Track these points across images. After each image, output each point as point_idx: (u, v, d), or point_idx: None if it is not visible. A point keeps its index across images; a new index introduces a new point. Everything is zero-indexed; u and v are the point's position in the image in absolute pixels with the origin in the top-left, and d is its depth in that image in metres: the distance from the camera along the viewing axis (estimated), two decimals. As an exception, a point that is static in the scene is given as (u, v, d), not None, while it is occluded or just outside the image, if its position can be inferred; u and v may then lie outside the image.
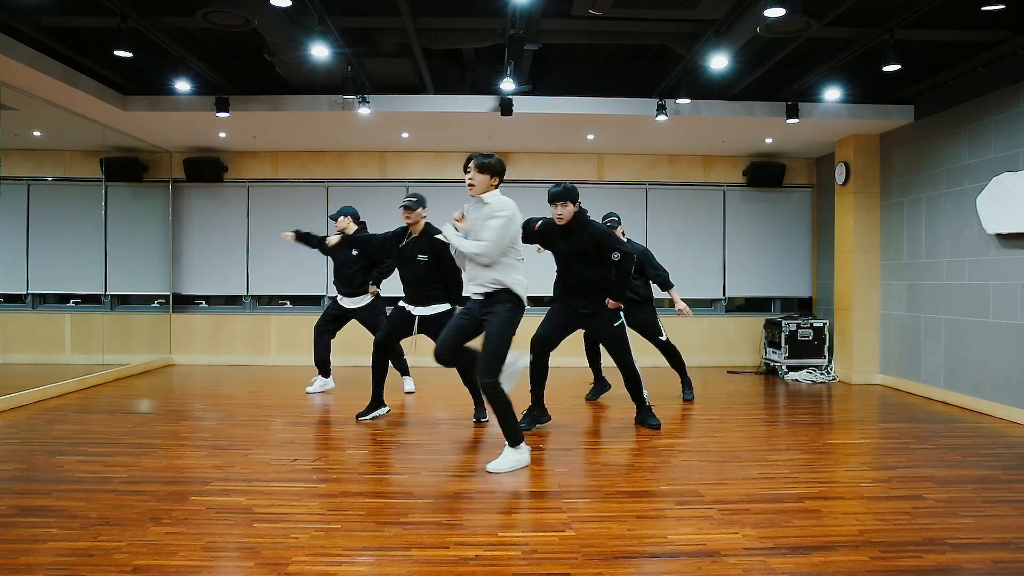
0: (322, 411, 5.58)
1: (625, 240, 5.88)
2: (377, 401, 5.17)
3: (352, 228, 5.85)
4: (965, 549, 2.80)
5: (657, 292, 6.01)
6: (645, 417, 4.96)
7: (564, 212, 4.58)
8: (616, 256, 4.61)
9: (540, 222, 4.77)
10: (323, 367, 6.28)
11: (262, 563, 2.62)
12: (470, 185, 3.89)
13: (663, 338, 5.89)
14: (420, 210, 5.02)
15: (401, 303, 5.07)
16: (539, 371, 4.91)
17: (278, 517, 3.10)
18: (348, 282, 6.05)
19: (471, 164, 3.88)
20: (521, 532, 2.96)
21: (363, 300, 6.07)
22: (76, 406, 5.70)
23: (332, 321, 6.20)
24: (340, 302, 6.13)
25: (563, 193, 4.56)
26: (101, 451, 4.21)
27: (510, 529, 3.01)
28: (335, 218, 5.89)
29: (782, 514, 3.19)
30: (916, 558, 2.71)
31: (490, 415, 5.17)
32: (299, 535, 2.89)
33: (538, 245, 4.93)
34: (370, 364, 5.09)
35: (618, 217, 5.84)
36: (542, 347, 4.89)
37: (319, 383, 6.33)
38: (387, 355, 5.19)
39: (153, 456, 4.12)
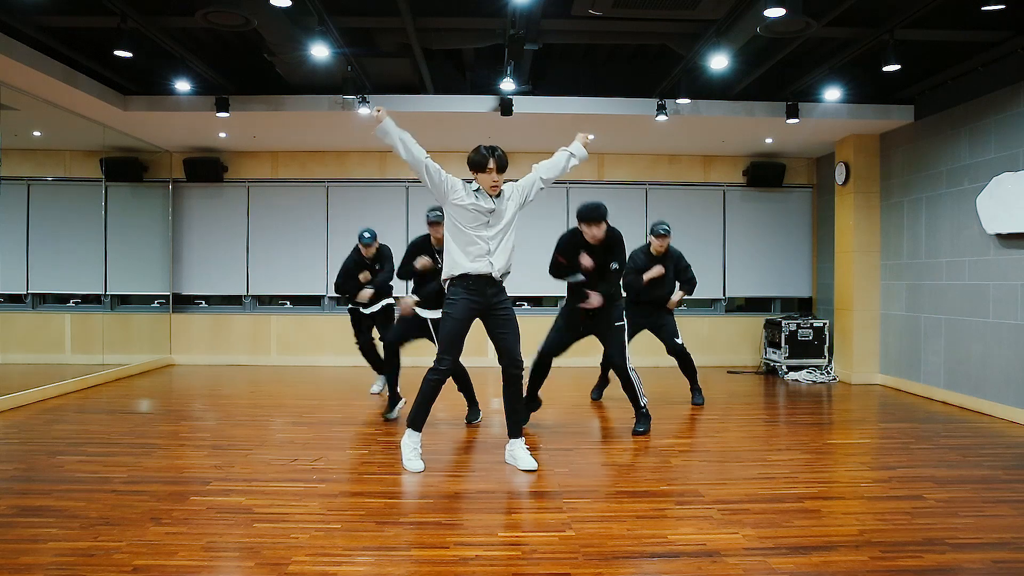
0: (322, 411, 5.58)
1: (663, 250, 5.73)
2: (395, 398, 5.21)
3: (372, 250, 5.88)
4: (965, 549, 2.80)
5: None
6: (636, 423, 4.82)
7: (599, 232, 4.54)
8: (614, 266, 4.59)
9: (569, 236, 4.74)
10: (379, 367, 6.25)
11: (262, 563, 2.62)
12: (495, 185, 3.83)
13: (679, 341, 5.85)
14: None
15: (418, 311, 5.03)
16: (541, 370, 4.91)
17: (278, 517, 3.10)
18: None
19: (497, 163, 3.80)
20: (521, 532, 2.96)
21: (378, 305, 5.95)
22: (76, 406, 5.70)
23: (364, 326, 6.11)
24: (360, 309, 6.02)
25: (604, 214, 4.53)
26: (101, 451, 4.21)
27: (510, 529, 3.01)
28: (369, 244, 5.79)
29: (782, 514, 3.19)
30: (916, 558, 2.71)
31: (484, 416, 5.18)
32: (299, 535, 2.89)
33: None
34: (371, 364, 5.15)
35: (668, 227, 5.71)
36: (551, 354, 4.88)
37: (380, 383, 6.28)
38: (397, 353, 5.15)
39: (153, 456, 4.12)
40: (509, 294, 4.01)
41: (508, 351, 3.91)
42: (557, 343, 4.88)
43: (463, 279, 3.82)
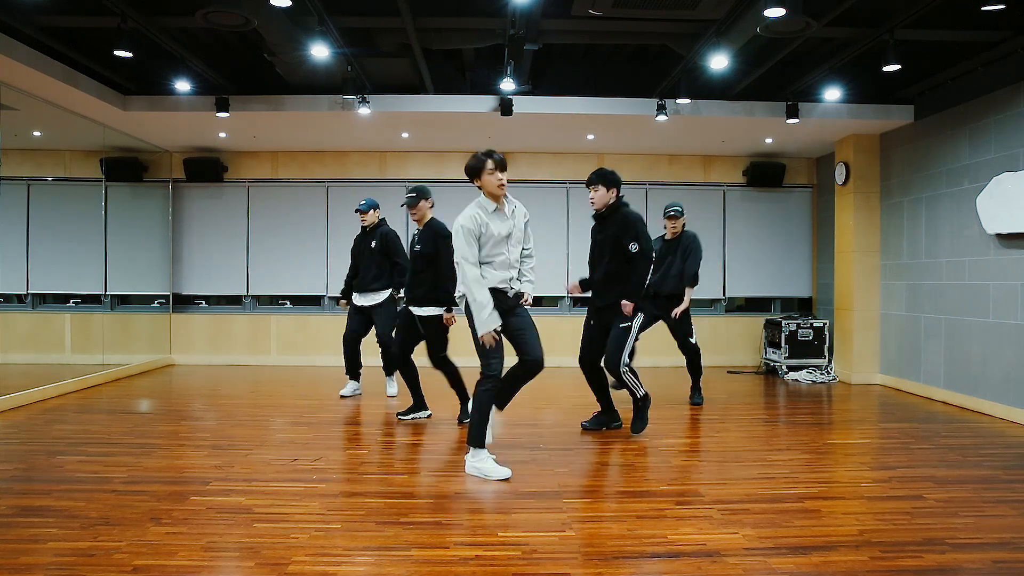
0: (322, 411, 5.58)
1: (681, 230, 5.81)
2: (419, 404, 5.16)
3: (375, 219, 5.98)
4: (965, 549, 2.80)
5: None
6: (634, 420, 4.77)
7: (596, 196, 4.55)
8: (633, 248, 4.43)
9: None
10: (390, 372, 6.26)
11: (262, 563, 2.62)
12: (502, 184, 3.74)
13: (693, 340, 5.86)
14: (423, 203, 4.94)
15: (404, 304, 5.05)
16: (596, 384, 4.83)
17: (278, 517, 3.10)
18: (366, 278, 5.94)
19: (497, 163, 3.73)
20: (521, 532, 2.96)
21: (379, 296, 5.92)
22: (76, 406, 5.69)
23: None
24: (356, 301, 5.98)
25: (595, 177, 4.55)
26: (101, 451, 4.21)
27: (510, 529, 3.01)
28: (366, 211, 5.93)
29: (782, 514, 3.19)
30: (916, 558, 2.71)
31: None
32: (299, 535, 2.89)
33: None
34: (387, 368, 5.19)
35: (680, 208, 5.78)
36: (589, 363, 4.79)
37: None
38: (409, 360, 5.10)
39: (153, 456, 4.12)
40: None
41: (530, 348, 3.81)
42: (586, 346, 4.78)
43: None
